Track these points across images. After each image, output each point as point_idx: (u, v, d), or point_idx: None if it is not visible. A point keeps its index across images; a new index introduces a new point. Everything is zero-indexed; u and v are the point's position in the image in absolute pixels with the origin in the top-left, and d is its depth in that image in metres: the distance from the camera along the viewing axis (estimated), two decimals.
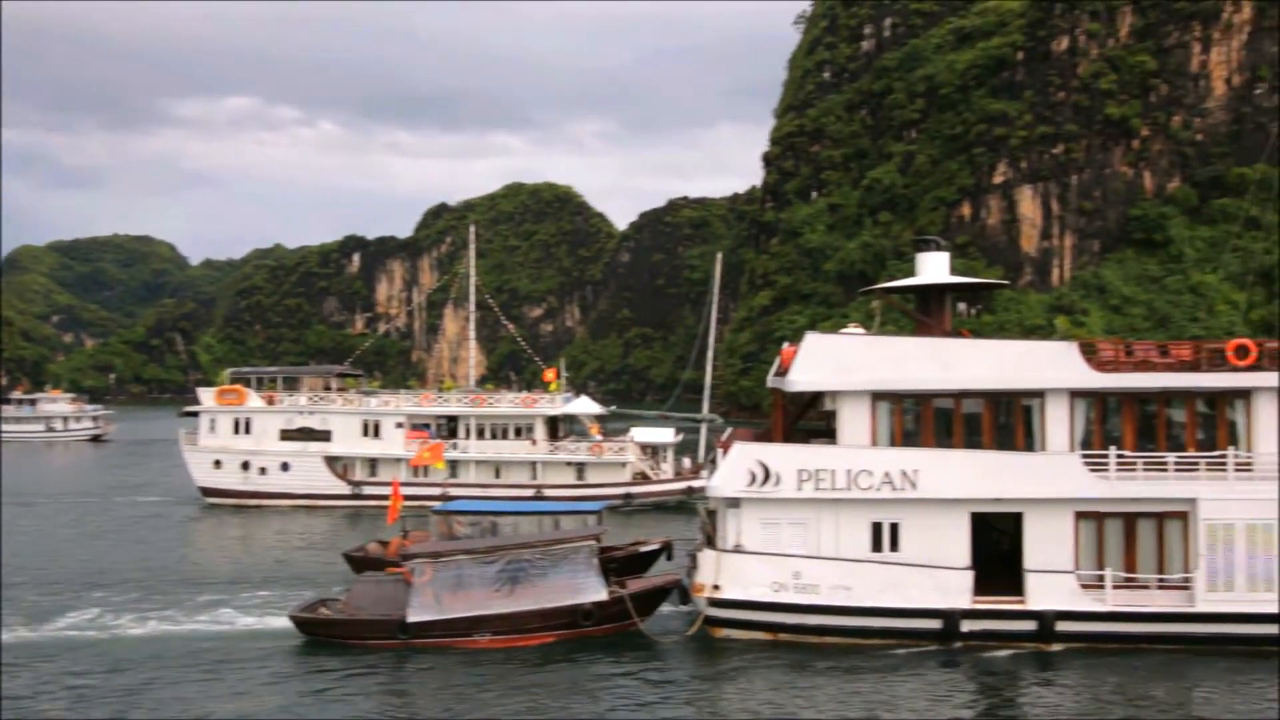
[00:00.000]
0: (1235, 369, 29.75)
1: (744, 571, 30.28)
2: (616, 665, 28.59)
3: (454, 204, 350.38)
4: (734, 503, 30.79)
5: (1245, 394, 29.73)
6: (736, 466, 30.70)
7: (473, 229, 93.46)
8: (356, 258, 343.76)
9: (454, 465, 63.87)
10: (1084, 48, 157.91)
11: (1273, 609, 28.69)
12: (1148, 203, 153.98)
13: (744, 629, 30.48)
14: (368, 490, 64.20)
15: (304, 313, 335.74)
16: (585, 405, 69.71)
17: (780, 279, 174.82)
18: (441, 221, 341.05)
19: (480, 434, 65.76)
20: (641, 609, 31.39)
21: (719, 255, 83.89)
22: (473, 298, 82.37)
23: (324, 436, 66.16)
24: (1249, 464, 29.37)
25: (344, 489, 64.96)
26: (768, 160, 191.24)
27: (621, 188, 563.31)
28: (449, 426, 66.25)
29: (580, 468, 64.49)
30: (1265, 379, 29.55)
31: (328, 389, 71.23)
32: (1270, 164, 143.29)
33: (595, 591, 30.88)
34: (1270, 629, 28.71)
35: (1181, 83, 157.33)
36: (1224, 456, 29.36)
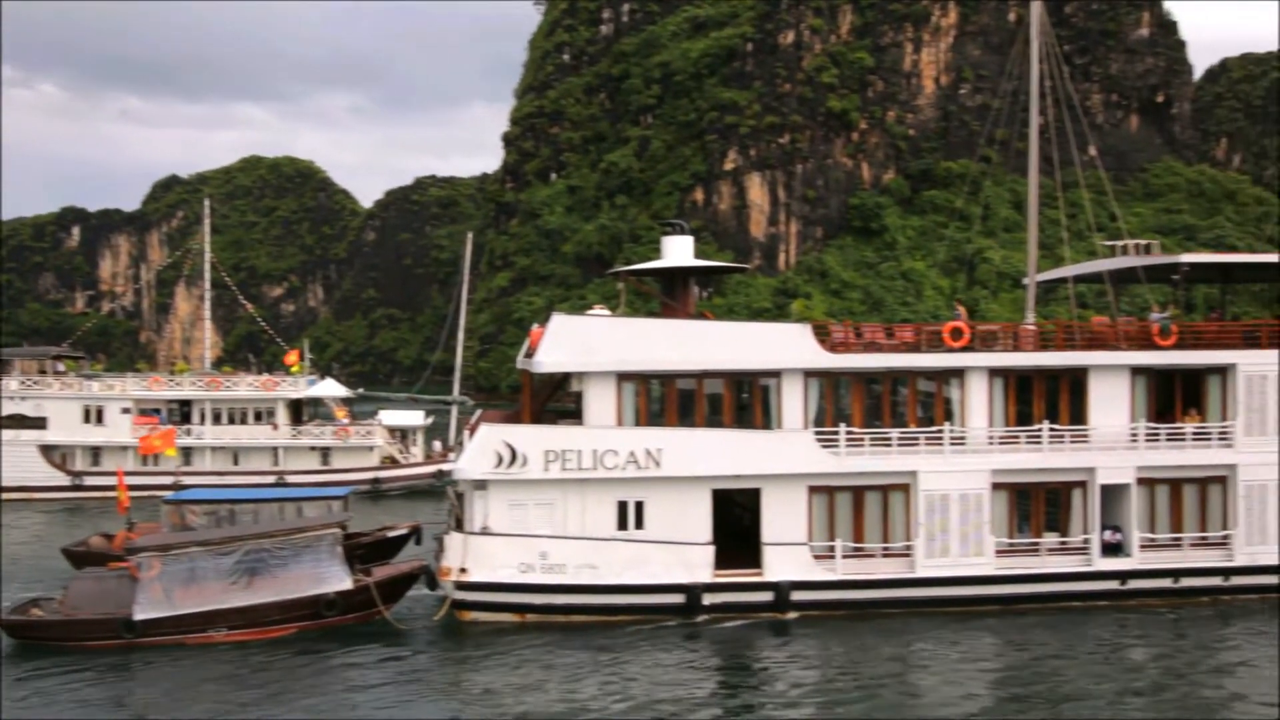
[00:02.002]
0: (951, 350, 31.98)
1: (491, 553, 30.28)
2: (361, 655, 28.03)
3: (187, 176, 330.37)
4: (481, 485, 30.73)
5: (960, 373, 31.99)
6: (483, 448, 30.63)
7: (207, 203, 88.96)
8: (76, 231, 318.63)
9: (188, 452, 60.84)
10: (808, 42, 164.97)
11: (983, 571, 31.13)
12: (865, 193, 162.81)
13: (492, 611, 30.47)
14: (90, 481, 60.20)
15: (16, 289, 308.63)
16: (330, 388, 67.78)
17: (519, 260, 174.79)
18: (172, 194, 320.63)
19: (217, 419, 62.88)
20: (387, 596, 30.87)
21: (469, 235, 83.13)
22: (207, 275, 78.57)
23: (39, 424, 61.56)
24: (963, 438, 31.67)
25: (63, 480, 60.69)
26: (508, 141, 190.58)
27: (375, 165, 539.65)
28: (182, 411, 62.99)
29: (325, 453, 62.71)
30: (977, 359, 31.91)
31: (43, 372, 66.26)
32: (974, 160, 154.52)
33: (339, 580, 30.14)
34: (981, 590, 31.13)
35: (896, 80, 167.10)
36: (941, 432, 31.54)
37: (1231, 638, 29.24)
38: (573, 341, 31.18)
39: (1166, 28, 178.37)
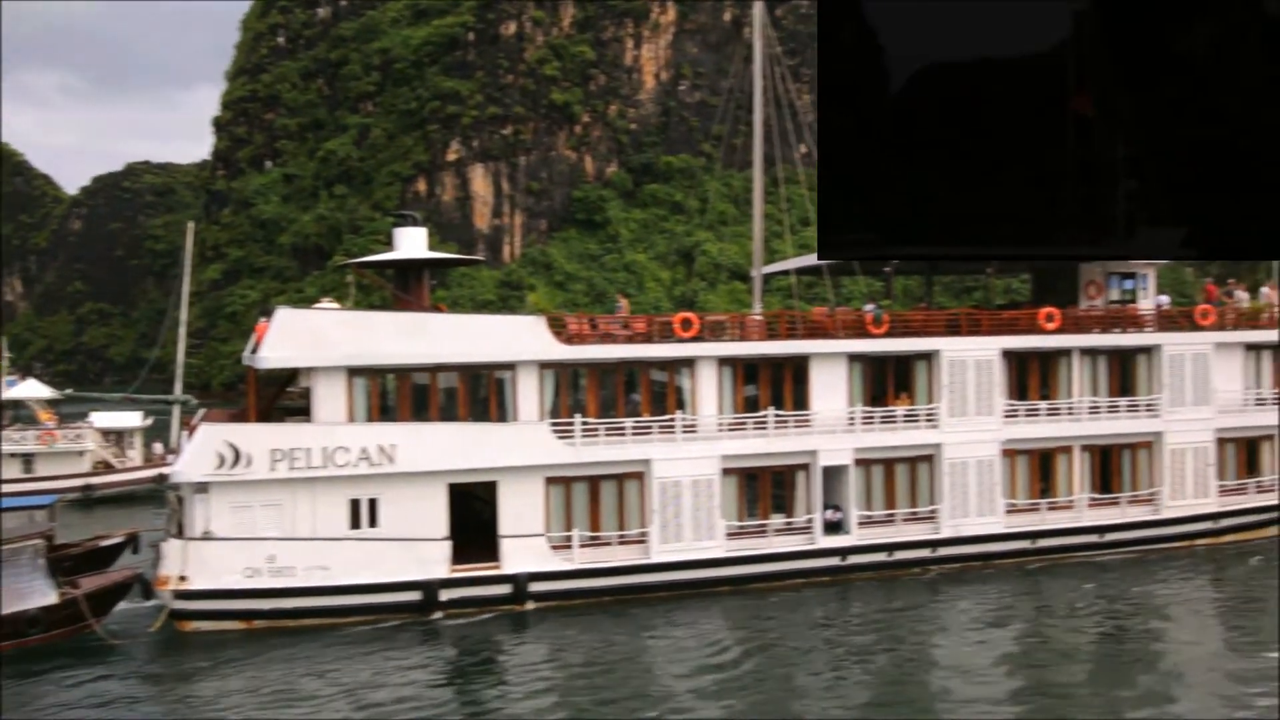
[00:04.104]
0: (681, 340, 32.73)
1: (213, 559, 28.81)
2: (70, 673, 25.99)
3: None
4: (202, 487, 29.16)
5: (690, 363, 32.80)
6: (204, 449, 29.10)
7: None
8: None
9: None
10: (530, 34, 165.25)
11: (715, 554, 32.08)
12: (589, 185, 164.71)
13: (215, 620, 28.98)
14: None
15: None
16: (32, 389, 62.43)
17: (232, 251, 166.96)
18: None
19: None
20: (98, 609, 28.75)
21: (190, 225, 78.29)
22: None
23: None
24: (694, 426, 32.49)
25: None
26: (219, 126, 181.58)
27: (89, 149, 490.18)
28: None
29: (28, 459, 57.59)
30: (706, 349, 32.80)
31: None
32: (693, 155, 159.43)
33: (43, 595, 27.83)
34: (713, 572, 32.08)
35: (618, 75, 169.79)
36: (673, 420, 32.25)
37: (938, 604, 31.37)
38: (300, 336, 30.01)
39: None
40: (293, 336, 29.94)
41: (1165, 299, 40.60)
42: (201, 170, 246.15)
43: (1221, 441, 38.04)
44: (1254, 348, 38.92)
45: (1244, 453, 38.86)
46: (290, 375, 31.93)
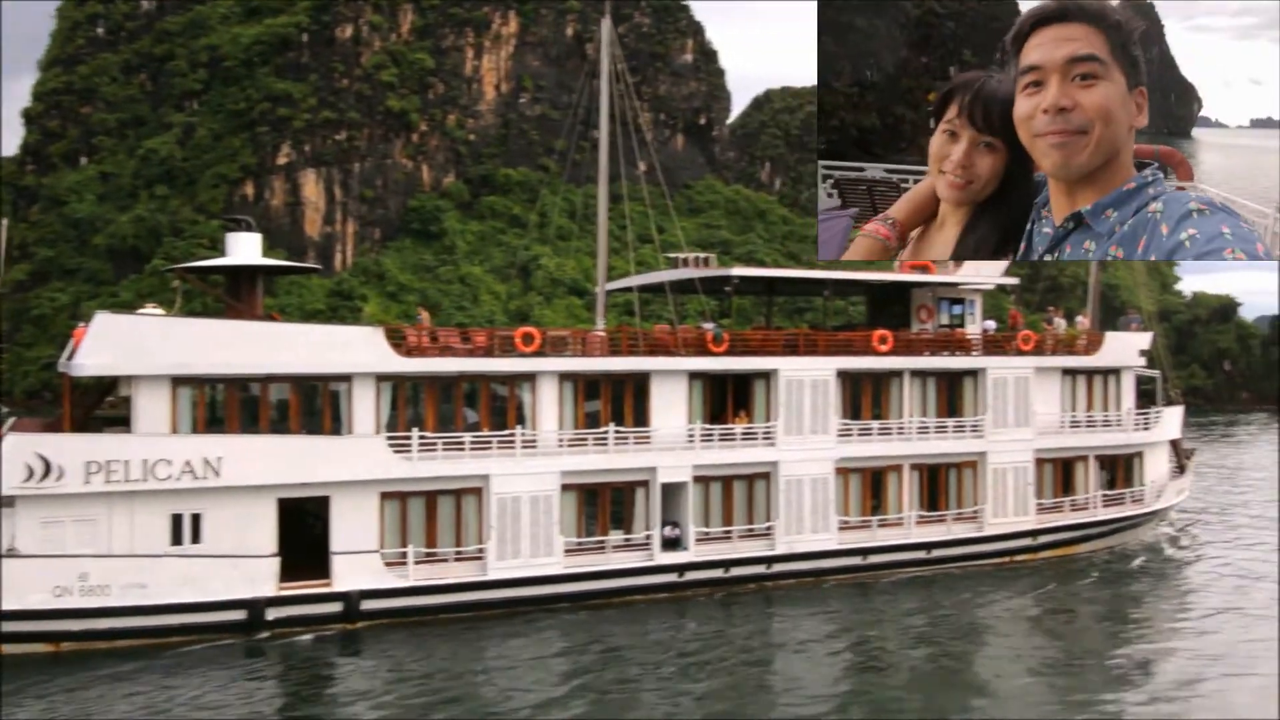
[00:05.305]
0: (523, 354, 32.34)
1: (17, 578, 27.08)
2: None
3: None
4: (8, 502, 27.40)
5: (531, 378, 32.43)
6: (10, 460, 27.32)
7: None
8: None
9: None
10: (367, 39, 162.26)
11: (553, 571, 31.75)
12: (425, 195, 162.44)
13: (19, 642, 27.20)
14: None
15: None
16: None
17: (41, 251, 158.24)
18: None
19: None
20: None
21: (5, 222, 73.55)
22: None
23: None
24: (534, 441, 32.12)
25: None
26: (30, 118, 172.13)
27: None
28: None
29: None
30: (547, 364, 32.48)
31: None
32: (533, 169, 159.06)
33: None
34: (551, 589, 31.74)
35: (457, 84, 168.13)
36: (513, 435, 31.80)
37: (773, 620, 31.74)
38: (120, 342, 28.48)
39: (709, 55, 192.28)
40: (113, 342, 28.41)
41: (991, 324, 42.20)
42: (11, 165, 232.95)
43: (1040, 461, 39.68)
44: (1070, 372, 40.77)
45: (1060, 473, 40.62)
46: (110, 384, 30.30)
